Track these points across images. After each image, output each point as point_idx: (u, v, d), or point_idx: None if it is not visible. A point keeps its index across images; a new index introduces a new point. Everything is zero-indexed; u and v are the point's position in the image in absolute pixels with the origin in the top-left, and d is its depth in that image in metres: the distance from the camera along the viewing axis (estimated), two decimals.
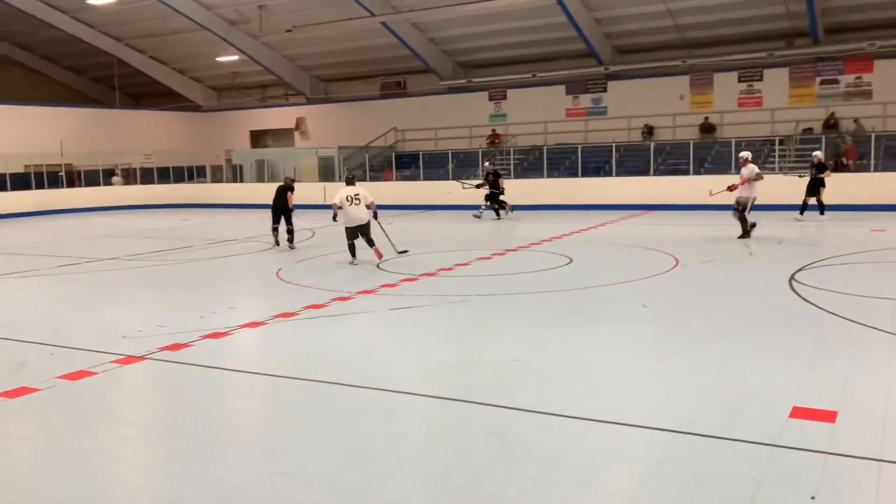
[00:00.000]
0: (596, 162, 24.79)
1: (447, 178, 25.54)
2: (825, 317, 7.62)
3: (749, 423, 4.75)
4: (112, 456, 4.69)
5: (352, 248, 12.24)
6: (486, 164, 21.87)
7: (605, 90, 27.80)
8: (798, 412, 4.88)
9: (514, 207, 20.64)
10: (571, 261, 12.04)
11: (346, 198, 12.04)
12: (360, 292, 9.60)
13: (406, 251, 12.95)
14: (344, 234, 12.37)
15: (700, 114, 25.86)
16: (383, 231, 12.81)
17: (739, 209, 13.88)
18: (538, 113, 28.01)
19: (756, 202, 13.93)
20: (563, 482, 4.06)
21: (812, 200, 17.01)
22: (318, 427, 5.02)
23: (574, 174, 24.63)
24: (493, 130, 29.31)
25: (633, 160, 24.30)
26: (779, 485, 3.89)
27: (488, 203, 20.24)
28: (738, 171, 14.96)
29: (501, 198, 20.27)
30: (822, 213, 16.96)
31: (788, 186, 18.09)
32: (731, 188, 14.09)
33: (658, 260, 11.75)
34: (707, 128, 25.52)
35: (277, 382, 6.12)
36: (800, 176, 17.75)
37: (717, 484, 3.95)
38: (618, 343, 6.99)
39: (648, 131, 26.38)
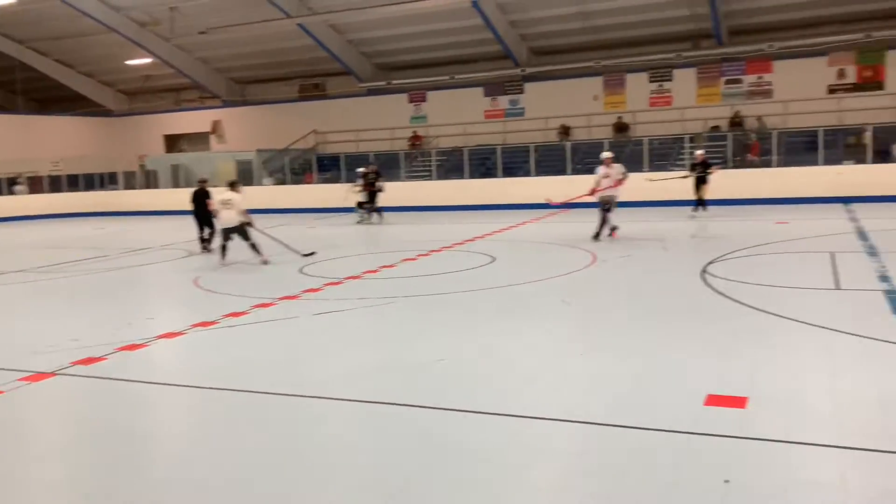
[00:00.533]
0: (515, 162, 25.18)
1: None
2: (735, 307, 7.96)
3: (667, 413, 4.92)
4: (22, 478, 4.50)
5: (223, 249, 12.92)
6: (363, 169, 20.83)
7: (522, 91, 28.24)
8: (712, 399, 5.09)
9: (424, 209, 20.71)
10: (494, 259, 12.20)
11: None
12: (282, 298, 9.48)
13: (313, 253, 13.06)
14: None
15: (614, 113, 26.59)
16: (273, 238, 13.14)
17: (605, 208, 13.69)
18: (458, 114, 28.21)
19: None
20: (492, 480, 4.12)
21: (702, 195, 17.40)
22: (239, 437, 4.94)
23: (494, 175, 24.98)
24: (415, 132, 29.38)
25: (550, 160, 24.77)
26: (695, 470, 4.06)
27: (365, 206, 19.99)
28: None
29: (366, 201, 20.04)
30: (703, 209, 17.27)
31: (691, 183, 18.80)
32: (592, 192, 13.75)
33: (577, 256, 12.03)
34: (620, 127, 26.25)
35: (196, 393, 5.99)
36: (683, 177, 17.94)
37: (637, 473, 4.08)
38: (541, 339, 7.13)
39: (565, 131, 26.93)
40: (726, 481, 3.87)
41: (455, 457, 4.41)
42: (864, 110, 22.26)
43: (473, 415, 5.06)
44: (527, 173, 24.27)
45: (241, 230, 12.73)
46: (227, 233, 12.90)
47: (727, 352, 6.29)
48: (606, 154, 14.22)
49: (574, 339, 7.14)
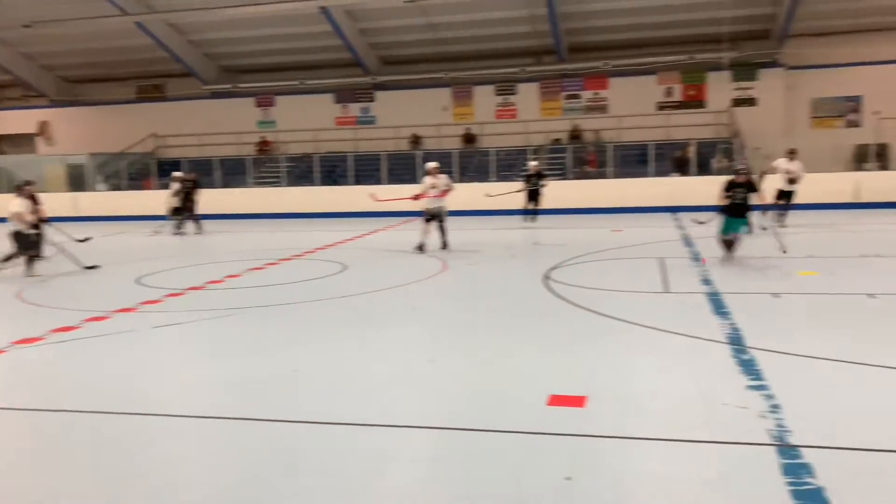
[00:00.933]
0: (367, 170, 25.19)
1: (217, 186, 24.66)
2: (575, 310, 8.37)
3: (512, 414, 5.08)
4: None
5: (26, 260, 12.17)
6: (179, 174, 19.82)
7: (373, 100, 28.31)
8: (554, 399, 5.31)
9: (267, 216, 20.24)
10: (346, 268, 12.12)
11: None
12: (118, 311, 8.92)
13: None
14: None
15: (463, 124, 27.22)
16: (60, 246, 12.63)
17: (429, 218, 13.60)
18: (308, 121, 27.83)
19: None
20: (344, 490, 4.07)
21: (536, 205, 18.21)
22: (69, 461, 4.59)
23: (345, 182, 24.87)
24: (263, 138, 28.66)
25: (401, 168, 24.98)
26: (538, 469, 4.21)
27: (180, 214, 19.06)
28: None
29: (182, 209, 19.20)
30: (533, 219, 18.02)
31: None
32: (415, 198, 13.83)
33: (427, 263, 12.19)
34: (469, 138, 26.92)
35: (17, 416, 5.51)
36: (518, 191, 18.48)
37: (484, 475, 4.18)
38: (392, 346, 7.15)
39: (416, 140, 27.27)
40: (568, 478, 4.05)
41: (307, 469, 4.32)
42: (689, 126, 24.15)
43: (324, 426, 4.99)
44: (378, 181, 24.33)
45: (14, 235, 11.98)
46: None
47: (568, 353, 6.59)
48: (432, 164, 14.04)
49: (423, 345, 7.21)
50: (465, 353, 6.78)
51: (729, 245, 11.11)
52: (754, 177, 11.45)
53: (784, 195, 15.35)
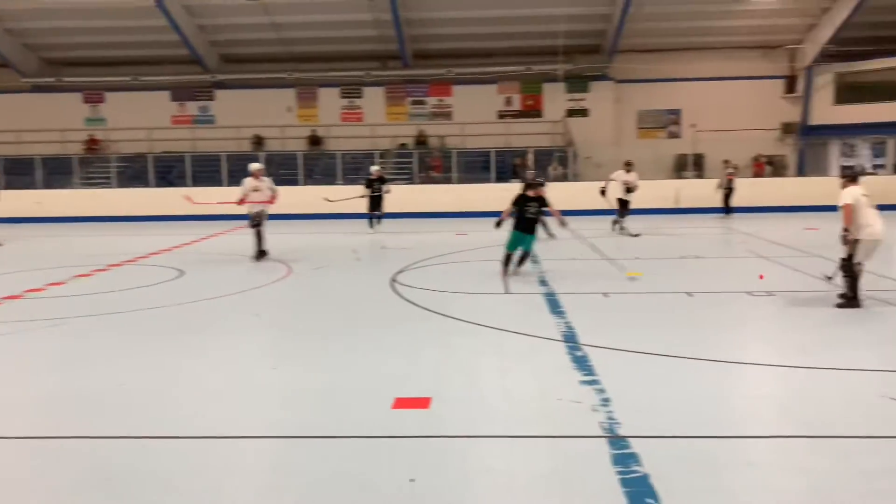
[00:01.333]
0: (206, 171, 24.21)
1: (34, 187, 22.85)
2: (420, 312, 8.47)
3: (357, 419, 5.07)
4: None
5: None
6: None
7: (212, 98, 27.28)
8: (399, 402, 5.34)
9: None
10: (182, 273, 11.58)
11: None
12: None
13: None
14: None
15: (308, 126, 26.83)
16: None
17: (255, 223, 12.79)
18: (142, 119, 26.32)
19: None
20: None
21: (380, 209, 17.94)
22: None
23: (183, 184, 23.78)
24: (91, 135, 26.81)
25: (243, 170, 24.14)
26: (383, 473, 4.22)
27: None
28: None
29: None
30: (379, 222, 17.83)
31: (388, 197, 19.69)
32: (240, 202, 12.80)
33: (271, 268, 11.90)
34: (314, 140, 26.58)
35: None
36: (361, 196, 18.04)
37: (329, 483, 4.13)
38: (232, 354, 6.91)
39: (258, 142, 26.54)
40: (412, 480, 4.09)
41: (141, 488, 4.08)
42: (527, 135, 25.17)
43: (159, 440, 4.75)
44: (219, 183, 23.45)
45: None
46: None
47: (414, 355, 6.66)
48: (256, 165, 13.10)
49: (266, 353, 7.03)
50: (310, 360, 6.68)
51: (508, 260, 10.63)
52: (544, 190, 10.85)
53: (622, 203, 16.33)
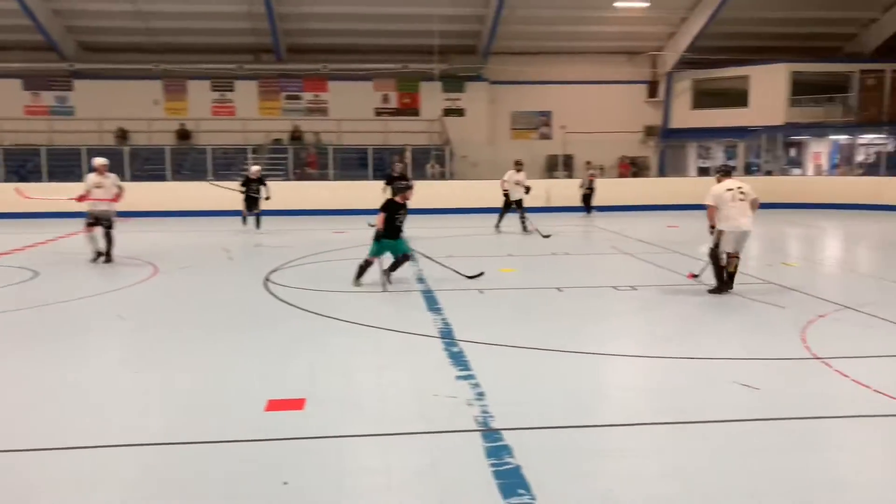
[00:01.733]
0: (65, 165, 22.72)
1: None
2: (295, 312, 8.31)
3: (228, 423, 4.90)
4: None
5: None
6: None
7: (70, 88, 25.69)
8: (273, 404, 5.22)
9: None
10: (37, 274, 10.83)
11: None
12: None
13: None
14: None
15: (176, 120, 25.74)
16: None
17: (98, 223, 11.85)
18: None
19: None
20: None
21: (257, 209, 16.83)
22: None
23: (39, 178, 22.23)
24: None
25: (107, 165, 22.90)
26: (255, 477, 4.10)
27: None
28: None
29: None
30: (257, 226, 16.70)
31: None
32: (79, 199, 11.90)
33: (136, 268, 11.33)
34: (183, 134, 25.54)
35: None
36: (241, 190, 16.91)
37: (199, 490, 3.98)
38: (94, 359, 6.53)
39: (122, 135, 25.21)
40: (285, 483, 4.00)
41: None
42: (405, 133, 25.24)
43: (14, 454, 4.41)
44: (79, 178, 22.00)
45: None
46: None
47: (288, 356, 6.52)
48: (100, 160, 12.04)
49: (130, 357, 6.69)
50: (177, 363, 6.40)
51: (368, 266, 9.99)
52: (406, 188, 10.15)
53: (516, 202, 16.59)
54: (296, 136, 25.82)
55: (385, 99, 26.81)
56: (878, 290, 9.58)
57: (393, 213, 9.90)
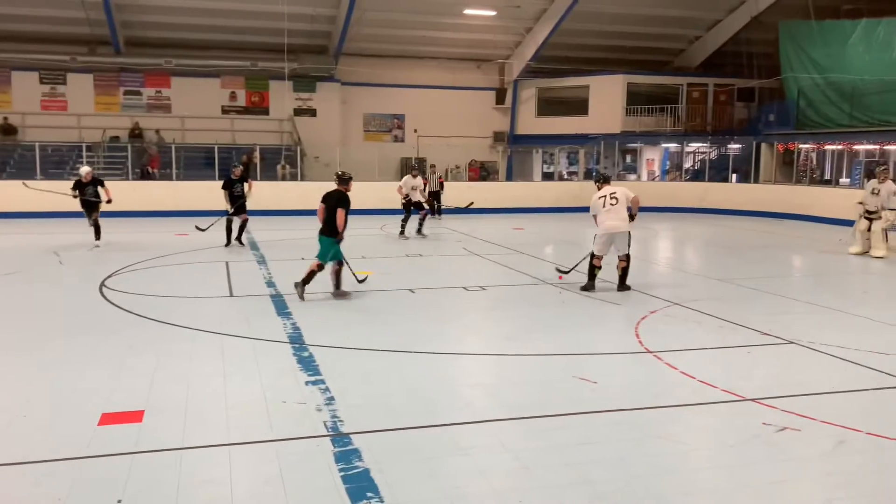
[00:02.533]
0: None
1: None
2: (134, 319, 7.87)
3: (59, 440, 4.57)
4: None
5: None
6: None
7: None
8: (107, 418, 4.92)
9: None
10: None
11: None
12: None
13: None
14: None
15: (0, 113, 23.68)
16: None
17: None
18: None
19: None
20: None
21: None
22: None
23: None
24: None
25: None
26: (86, 497, 3.85)
27: None
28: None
29: None
30: (96, 243, 14.20)
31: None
32: None
33: None
34: (7, 129, 23.52)
35: None
36: (74, 196, 14.10)
37: None
38: None
39: None
40: (118, 501, 3.78)
41: None
42: (254, 132, 24.56)
43: None
44: None
45: None
46: None
47: (125, 365, 6.17)
48: None
49: None
50: (4, 375, 5.89)
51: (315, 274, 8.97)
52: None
53: (416, 205, 16.40)
54: (136, 133, 24.45)
55: (233, 97, 25.97)
56: (704, 288, 10.39)
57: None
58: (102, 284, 9.75)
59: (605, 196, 9.56)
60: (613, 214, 9.46)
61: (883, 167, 13.97)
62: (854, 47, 21.34)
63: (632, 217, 9.63)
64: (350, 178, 9.04)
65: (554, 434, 4.84)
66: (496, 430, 4.92)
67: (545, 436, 4.81)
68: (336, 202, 8.81)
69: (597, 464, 4.35)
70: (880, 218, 13.10)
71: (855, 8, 22.93)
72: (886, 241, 13.20)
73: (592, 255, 9.67)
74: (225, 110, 25.81)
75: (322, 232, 8.92)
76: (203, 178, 21.78)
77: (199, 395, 5.46)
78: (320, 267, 8.97)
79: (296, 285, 8.85)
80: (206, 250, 13.40)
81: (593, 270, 9.64)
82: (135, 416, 4.96)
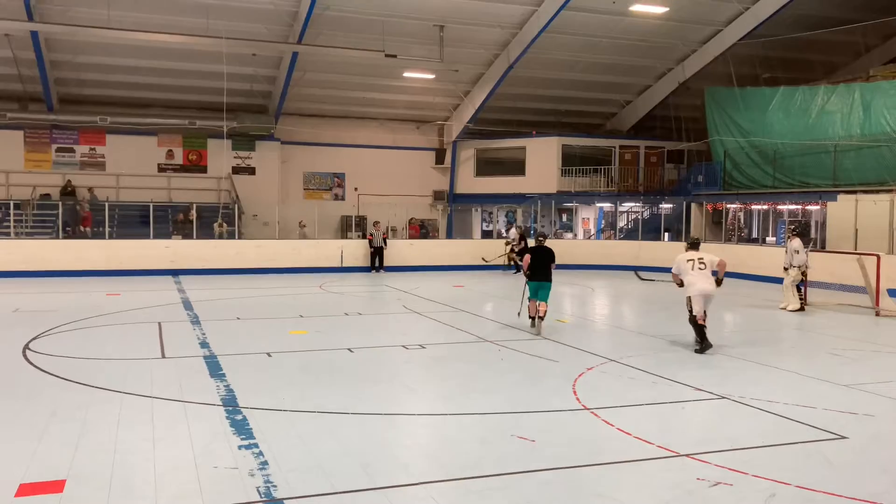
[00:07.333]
0: None
1: None
2: (59, 383, 7.57)
3: None
4: None
5: None
6: None
7: None
8: (25, 489, 4.68)
9: None
10: None
11: None
12: None
13: None
14: None
15: None
16: None
17: None
18: None
19: None
20: None
21: None
22: None
23: None
24: None
25: None
26: None
27: None
28: None
29: None
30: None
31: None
32: None
33: None
34: None
35: None
36: None
37: None
38: None
39: None
40: None
41: None
42: (191, 190, 24.26)
43: None
44: None
45: None
46: None
47: (47, 433, 5.90)
48: None
49: None
50: None
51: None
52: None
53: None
54: (68, 191, 23.87)
55: (170, 154, 25.69)
56: (638, 344, 10.57)
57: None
58: (26, 347, 9.37)
59: (693, 260, 9.97)
60: (703, 278, 9.85)
61: (791, 226, 14.72)
62: (774, 113, 22.48)
63: (719, 282, 9.97)
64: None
65: (491, 495, 4.80)
66: (434, 493, 4.85)
67: (482, 496, 4.77)
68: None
69: None
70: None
71: (773, 77, 24.31)
72: (799, 294, 13.84)
73: (694, 316, 9.86)
74: (161, 168, 25.50)
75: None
76: (138, 235, 21.32)
77: (125, 461, 5.25)
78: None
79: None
80: (138, 310, 13.04)
81: (702, 329, 9.86)
82: (55, 487, 4.73)
